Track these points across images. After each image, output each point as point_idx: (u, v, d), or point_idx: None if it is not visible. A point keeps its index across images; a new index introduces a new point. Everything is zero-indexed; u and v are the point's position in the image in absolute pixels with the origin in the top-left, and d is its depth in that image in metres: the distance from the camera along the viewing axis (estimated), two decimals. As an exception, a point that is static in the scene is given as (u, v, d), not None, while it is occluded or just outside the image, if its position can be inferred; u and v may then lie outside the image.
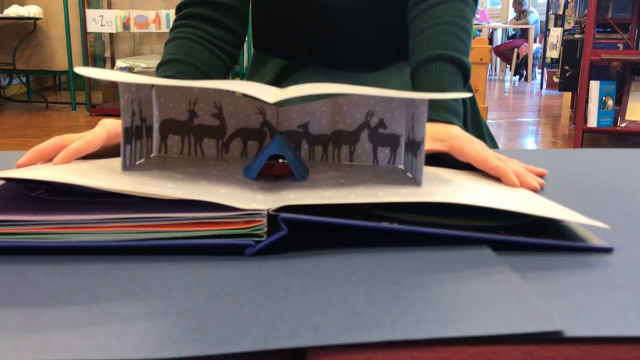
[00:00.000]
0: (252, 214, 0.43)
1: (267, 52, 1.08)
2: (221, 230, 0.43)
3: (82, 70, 0.49)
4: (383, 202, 0.46)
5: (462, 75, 0.84)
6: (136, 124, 0.54)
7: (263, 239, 0.43)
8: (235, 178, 0.51)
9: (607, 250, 0.44)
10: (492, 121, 5.24)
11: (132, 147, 0.52)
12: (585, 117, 3.68)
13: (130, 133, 0.52)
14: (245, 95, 0.96)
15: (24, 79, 5.91)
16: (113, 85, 5.62)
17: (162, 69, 0.83)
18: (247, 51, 5.05)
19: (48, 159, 0.60)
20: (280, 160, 0.54)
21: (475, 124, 1.00)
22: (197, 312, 0.34)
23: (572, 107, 5.21)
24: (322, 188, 0.48)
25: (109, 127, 0.62)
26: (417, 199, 0.44)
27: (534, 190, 0.59)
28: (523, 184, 0.60)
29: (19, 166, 0.60)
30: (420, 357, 0.30)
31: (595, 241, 0.45)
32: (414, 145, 0.53)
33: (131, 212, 0.43)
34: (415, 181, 0.51)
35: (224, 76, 0.93)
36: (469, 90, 1.00)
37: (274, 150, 0.51)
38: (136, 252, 0.43)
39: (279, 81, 1.02)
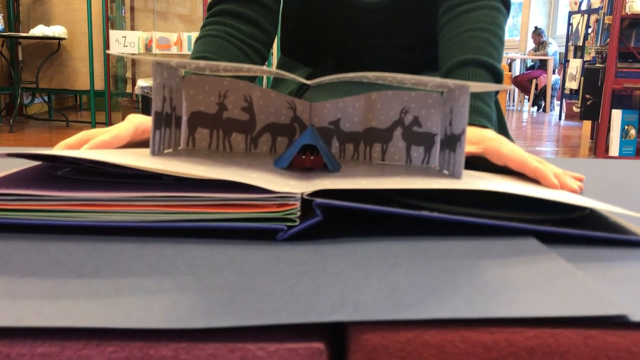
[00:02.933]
0: (285, 197, 0.41)
1: (294, 58, 1.07)
2: (252, 213, 0.41)
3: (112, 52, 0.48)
4: (422, 190, 0.44)
5: (494, 82, 0.82)
6: (166, 111, 0.52)
7: (296, 223, 0.41)
8: (266, 167, 0.49)
9: None
10: (511, 150, 5.19)
11: (161, 134, 0.51)
12: (607, 146, 3.63)
13: (161, 118, 0.50)
14: (275, 87, 0.94)
15: (46, 98, 5.99)
16: (134, 106, 5.67)
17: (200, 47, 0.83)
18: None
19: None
20: (312, 157, 0.52)
21: (501, 134, 0.98)
22: (229, 288, 0.32)
23: (592, 138, 5.15)
24: (356, 177, 0.46)
25: (137, 123, 0.61)
26: (458, 186, 0.41)
27: (574, 192, 0.57)
28: (563, 186, 0.57)
29: None
30: (472, 337, 0.28)
31: None
32: (452, 140, 0.51)
33: (159, 191, 0.41)
34: (454, 176, 0.49)
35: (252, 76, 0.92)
36: (497, 101, 0.98)
37: (306, 141, 0.49)
38: (164, 234, 0.41)
39: (303, 89, 1.01)
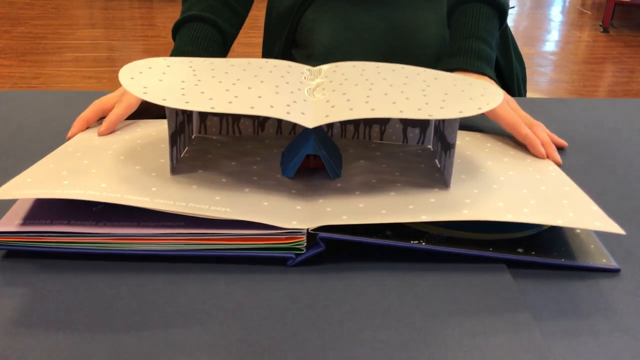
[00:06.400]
0: (293, 232, 0.47)
1: None
2: (266, 244, 0.48)
3: (126, 82, 0.52)
4: (412, 222, 0.50)
5: (498, 18, 0.83)
6: (180, 121, 0.56)
7: (303, 252, 0.48)
8: (274, 177, 0.55)
9: (615, 271, 0.48)
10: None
11: (177, 146, 0.56)
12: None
13: (176, 135, 0.55)
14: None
15: None
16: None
17: (189, 4, 0.84)
18: None
19: (93, 123, 0.66)
20: (315, 159, 0.57)
21: (504, 51, 0.98)
22: (253, 345, 0.40)
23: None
24: (355, 195, 0.52)
25: None
26: (443, 217, 0.47)
27: (557, 164, 0.63)
28: (549, 156, 0.63)
29: (69, 138, 0.64)
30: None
31: (605, 260, 0.49)
32: (444, 142, 0.56)
33: (184, 225, 0.47)
34: (444, 179, 0.55)
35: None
36: (505, 28, 0.97)
37: (310, 151, 0.54)
38: (192, 260, 0.48)
39: (306, 6, 1.00)
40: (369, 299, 0.45)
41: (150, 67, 0.56)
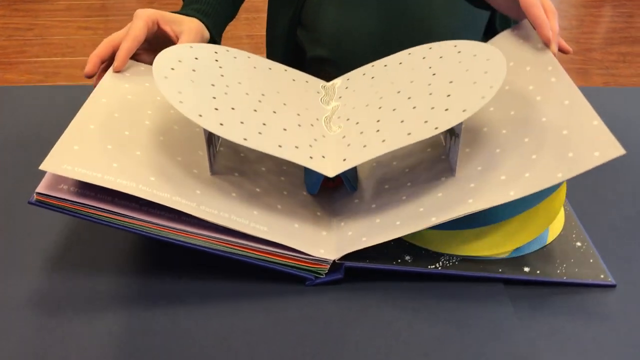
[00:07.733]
0: (319, 260, 0.52)
1: None
2: (292, 262, 0.53)
3: (163, 88, 0.54)
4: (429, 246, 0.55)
5: None
6: None
7: (322, 276, 0.53)
8: (300, 194, 0.60)
9: (612, 286, 0.53)
10: None
11: (213, 144, 0.59)
12: None
13: (212, 136, 0.58)
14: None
15: None
16: None
17: None
18: None
19: (106, 59, 0.69)
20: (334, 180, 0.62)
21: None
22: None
23: None
24: (371, 210, 0.57)
25: (145, 18, 0.69)
26: (451, 216, 0.51)
27: (554, 53, 0.62)
28: (550, 44, 0.62)
29: (87, 74, 0.67)
30: None
31: (603, 276, 0.54)
32: (451, 129, 0.58)
33: (222, 230, 0.52)
34: (450, 163, 0.58)
35: None
36: None
37: None
38: (221, 278, 0.53)
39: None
40: (382, 320, 0.50)
41: (180, 61, 0.58)
